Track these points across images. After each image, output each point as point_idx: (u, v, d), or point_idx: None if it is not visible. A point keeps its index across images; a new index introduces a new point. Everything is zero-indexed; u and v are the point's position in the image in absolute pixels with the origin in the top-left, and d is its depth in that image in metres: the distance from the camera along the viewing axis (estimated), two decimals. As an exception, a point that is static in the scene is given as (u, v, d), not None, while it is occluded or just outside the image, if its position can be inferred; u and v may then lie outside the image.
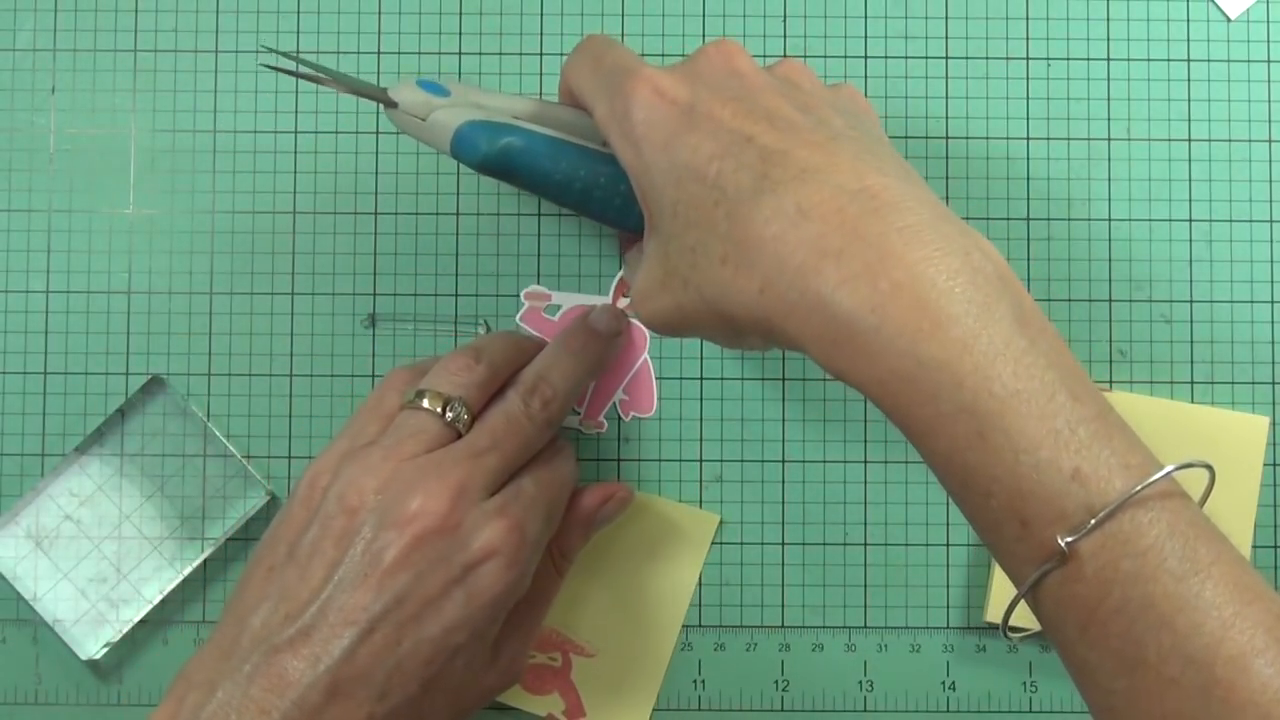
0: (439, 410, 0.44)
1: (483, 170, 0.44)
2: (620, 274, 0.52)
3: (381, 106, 0.45)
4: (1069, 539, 0.33)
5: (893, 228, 0.35)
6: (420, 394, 0.44)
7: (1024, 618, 0.51)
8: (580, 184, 0.44)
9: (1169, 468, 0.34)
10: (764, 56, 0.53)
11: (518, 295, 0.52)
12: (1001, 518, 0.34)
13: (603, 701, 0.50)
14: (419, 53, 0.53)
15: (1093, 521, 0.33)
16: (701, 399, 0.52)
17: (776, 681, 0.51)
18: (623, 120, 0.39)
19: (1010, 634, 0.40)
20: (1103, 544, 0.33)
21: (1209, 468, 0.36)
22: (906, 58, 0.53)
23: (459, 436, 0.44)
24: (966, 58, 0.53)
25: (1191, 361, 0.52)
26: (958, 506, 0.36)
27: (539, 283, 0.52)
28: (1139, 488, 0.33)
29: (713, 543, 0.51)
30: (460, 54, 0.53)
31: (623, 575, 0.50)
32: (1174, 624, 0.32)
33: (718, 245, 0.37)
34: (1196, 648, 0.32)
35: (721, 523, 0.52)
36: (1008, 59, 0.53)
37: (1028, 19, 0.53)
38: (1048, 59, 0.53)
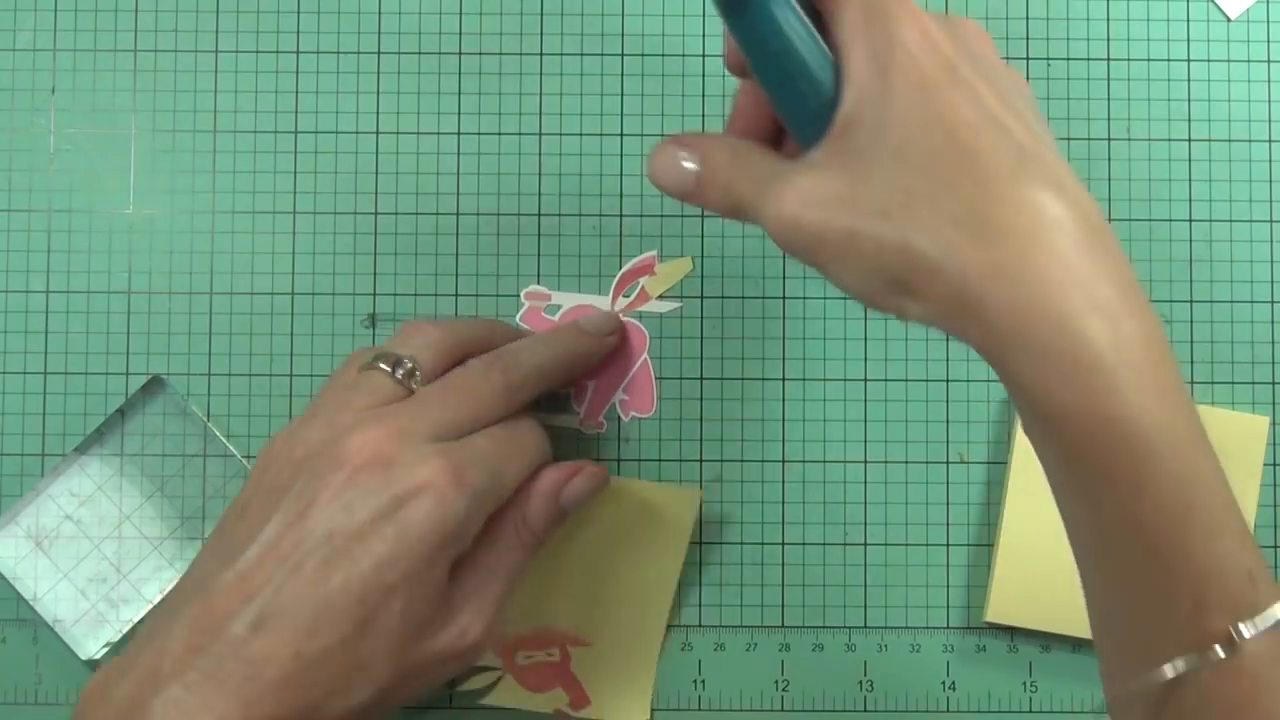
0: (390, 369, 0.44)
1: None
2: (626, 269, 0.52)
3: None
4: (1242, 631, 0.33)
5: (1130, 266, 0.35)
6: (377, 357, 0.45)
7: (1018, 616, 0.51)
8: (801, 54, 0.39)
9: None
10: (764, 56, 0.53)
11: (518, 295, 0.52)
12: (1174, 595, 0.34)
13: (605, 687, 0.50)
14: (419, 53, 0.53)
15: (1273, 620, 0.33)
16: (701, 399, 0.52)
17: (776, 681, 0.51)
18: (879, 40, 0.37)
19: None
20: (1269, 646, 0.33)
21: None
22: (906, 58, 0.53)
23: (412, 395, 0.44)
24: (966, 58, 0.53)
25: (1191, 361, 0.52)
26: (1103, 565, 0.36)
27: (539, 283, 0.52)
28: None
29: (713, 543, 0.51)
30: (460, 54, 0.53)
31: (608, 560, 0.50)
32: None
33: (954, 205, 0.35)
34: None
35: (723, 523, 0.52)
36: (1008, 59, 0.53)
37: (1028, 19, 0.53)
38: (1048, 59, 0.53)
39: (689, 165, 0.40)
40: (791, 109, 0.40)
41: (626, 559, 0.50)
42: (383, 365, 0.44)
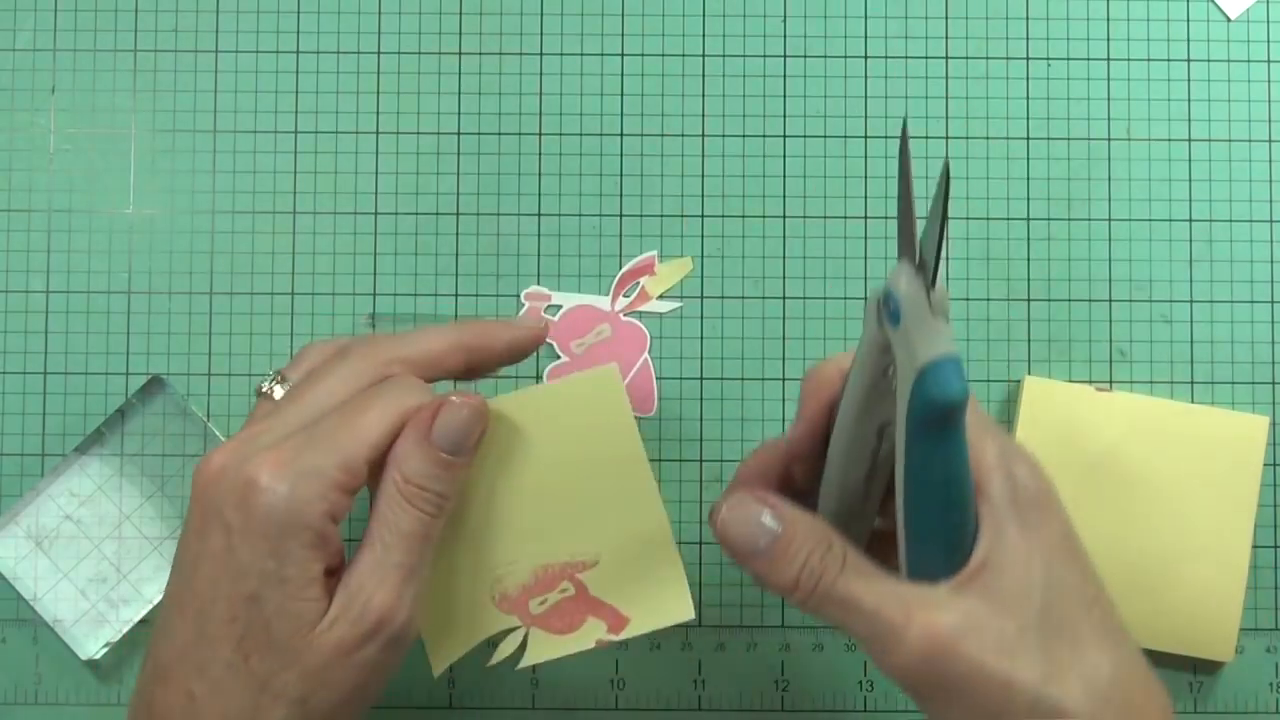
0: (259, 390, 0.44)
1: (936, 412, 0.36)
2: (626, 269, 0.52)
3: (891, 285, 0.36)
4: None
5: None
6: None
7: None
8: (967, 485, 0.38)
9: None
10: (764, 57, 0.53)
11: (518, 295, 0.52)
12: None
13: (635, 596, 0.46)
14: (419, 53, 0.53)
15: None
16: (701, 399, 0.52)
17: (776, 681, 0.51)
18: (1019, 492, 0.38)
19: None
20: None
21: None
22: (906, 58, 0.53)
23: None
24: (966, 58, 0.53)
25: (1191, 361, 0.52)
26: None
27: (539, 283, 0.52)
28: None
29: (713, 543, 0.51)
30: (460, 54, 0.53)
31: (566, 472, 0.46)
32: None
33: (1101, 680, 0.37)
34: None
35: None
36: (1008, 59, 0.53)
37: (1028, 19, 0.53)
38: (1048, 59, 0.53)
39: (768, 523, 0.39)
40: (930, 535, 0.38)
41: (583, 462, 0.46)
42: (259, 390, 0.44)
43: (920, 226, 0.35)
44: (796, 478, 0.42)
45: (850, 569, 0.38)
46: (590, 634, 0.46)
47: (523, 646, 0.46)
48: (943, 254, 0.35)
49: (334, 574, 0.40)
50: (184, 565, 0.40)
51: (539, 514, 0.46)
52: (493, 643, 0.45)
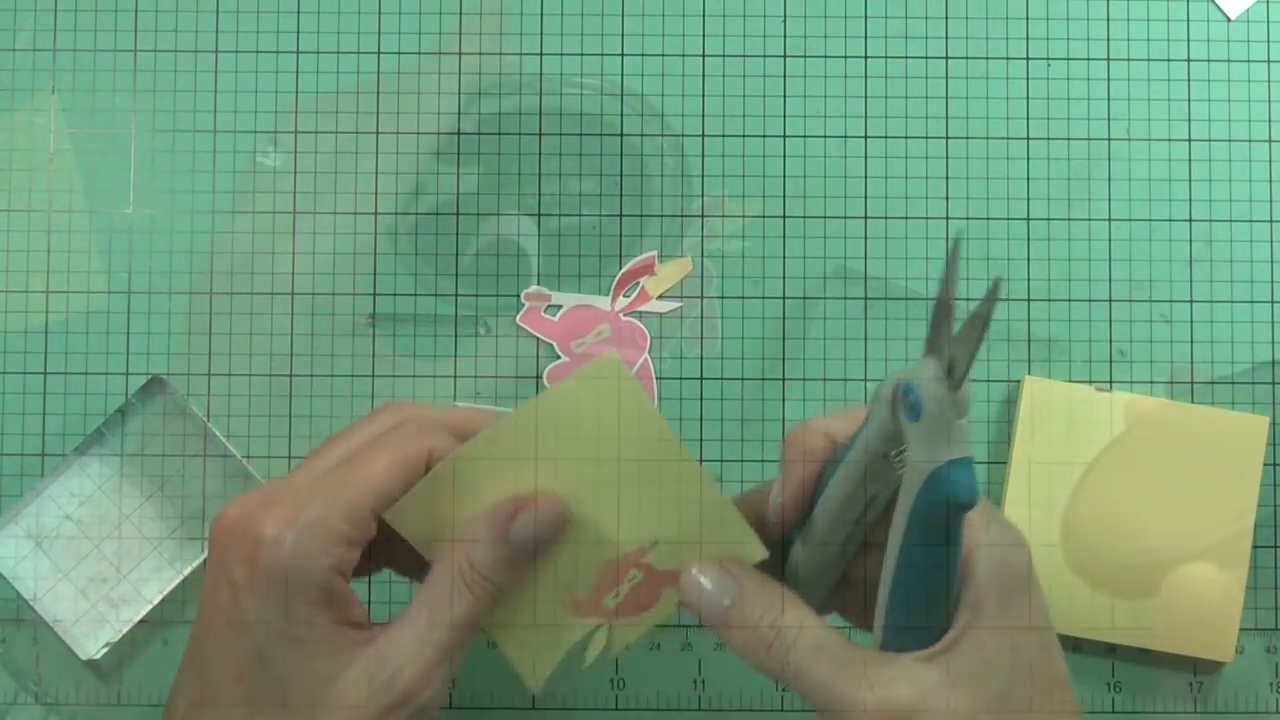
0: None
1: (947, 510, 0.37)
2: (626, 269, 0.52)
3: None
4: None
5: None
6: None
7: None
8: (955, 574, 0.39)
9: None
10: (764, 57, 0.53)
11: (518, 295, 0.52)
12: None
13: (705, 554, 0.44)
14: (419, 53, 0.53)
15: None
16: (701, 399, 0.52)
17: (776, 682, 0.51)
18: (1002, 571, 0.39)
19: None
20: None
21: None
22: (906, 58, 0.53)
23: None
24: (966, 58, 0.53)
25: (1191, 361, 0.52)
26: None
27: (539, 283, 0.52)
28: None
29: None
30: (460, 54, 0.53)
31: (600, 470, 0.45)
32: None
33: None
34: None
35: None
36: (1008, 59, 0.53)
37: (1028, 19, 0.53)
38: (1048, 59, 0.53)
39: (726, 600, 0.41)
40: (910, 614, 0.39)
41: (612, 452, 0.45)
42: None
43: (955, 327, 0.36)
44: (771, 531, 0.43)
45: (802, 640, 0.39)
46: (669, 602, 0.45)
47: (609, 639, 0.45)
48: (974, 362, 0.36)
49: (355, 625, 0.40)
50: (198, 619, 0.40)
51: (587, 516, 0.45)
52: (581, 644, 0.45)
